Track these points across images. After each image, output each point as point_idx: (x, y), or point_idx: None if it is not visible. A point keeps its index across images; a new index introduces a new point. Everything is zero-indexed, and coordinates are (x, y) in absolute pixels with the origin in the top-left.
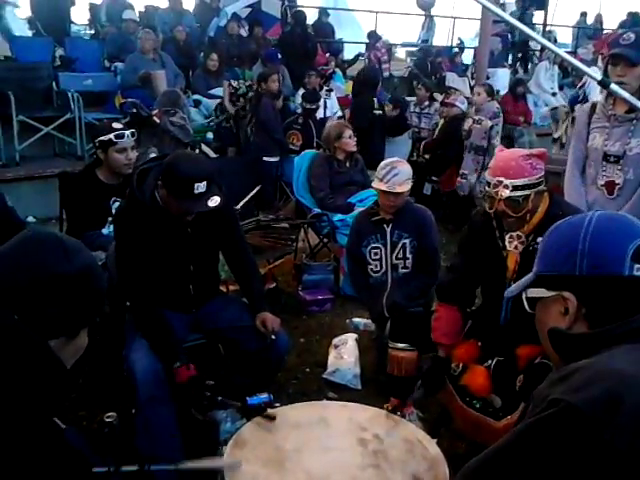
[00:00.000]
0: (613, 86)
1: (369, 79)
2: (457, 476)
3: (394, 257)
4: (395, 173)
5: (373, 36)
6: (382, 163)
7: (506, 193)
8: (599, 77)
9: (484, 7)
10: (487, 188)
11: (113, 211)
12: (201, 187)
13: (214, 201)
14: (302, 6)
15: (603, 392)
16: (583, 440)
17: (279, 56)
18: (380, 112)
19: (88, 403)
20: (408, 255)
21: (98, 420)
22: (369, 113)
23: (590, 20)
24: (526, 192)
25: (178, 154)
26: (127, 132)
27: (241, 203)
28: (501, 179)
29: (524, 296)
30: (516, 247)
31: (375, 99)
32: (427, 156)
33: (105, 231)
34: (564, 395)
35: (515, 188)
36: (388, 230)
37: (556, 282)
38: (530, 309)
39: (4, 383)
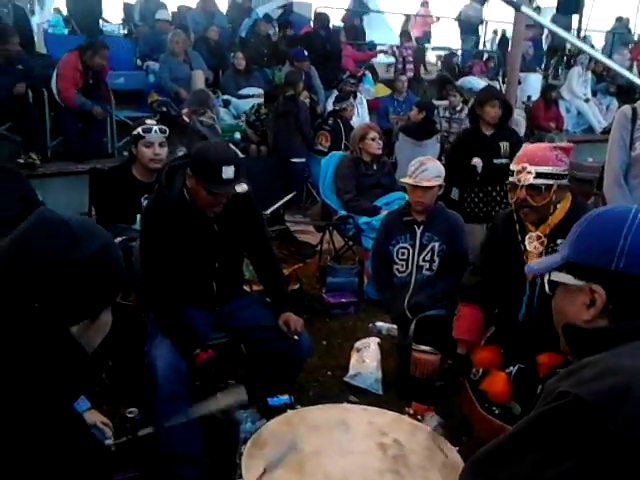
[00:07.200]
0: None
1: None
2: (466, 465)
3: (421, 259)
4: (424, 169)
5: (405, 35)
6: (413, 161)
7: (529, 179)
8: None
9: (531, 18)
10: (511, 178)
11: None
12: (229, 172)
13: (242, 187)
14: (333, 7)
15: (610, 385)
16: (588, 431)
17: (306, 54)
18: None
19: (110, 398)
20: (435, 258)
21: (120, 415)
22: None
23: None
24: (549, 181)
25: (207, 142)
26: (155, 127)
27: (272, 208)
28: (525, 165)
29: (546, 277)
30: (535, 247)
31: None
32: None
33: (136, 227)
34: (572, 388)
35: (538, 175)
36: (418, 231)
37: (587, 273)
38: (550, 291)
39: (25, 372)
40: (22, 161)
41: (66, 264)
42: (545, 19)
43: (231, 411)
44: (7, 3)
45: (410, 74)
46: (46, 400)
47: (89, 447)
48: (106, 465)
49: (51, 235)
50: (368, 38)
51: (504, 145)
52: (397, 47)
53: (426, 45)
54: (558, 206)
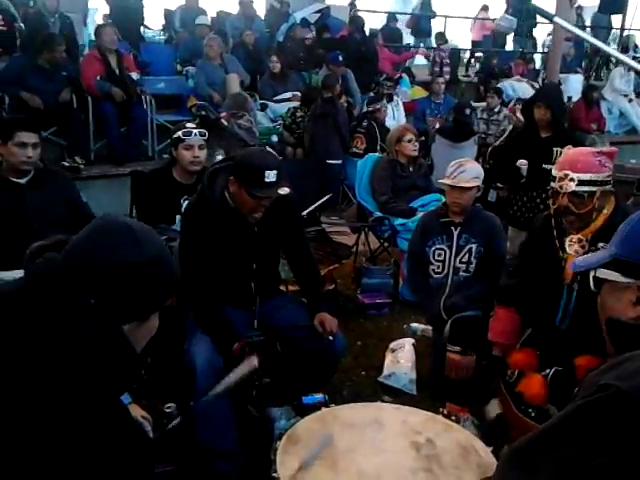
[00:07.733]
0: None
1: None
2: (502, 455)
3: (458, 260)
4: (462, 170)
5: (441, 38)
6: (452, 162)
7: (571, 187)
8: None
9: (560, 26)
10: (552, 183)
11: (183, 209)
12: (271, 176)
13: (284, 190)
14: (370, 11)
15: None
16: (630, 423)
17: (340, 58)
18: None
19: (149, 394)
20: (472, 260)
21: (158, 410)
22: None
23: None
24: (592, 188)
25: (249, 149)
26: (195, 130)
27: (308, 210)
28: (567, 172)
29: (592, 274)
30: (576, 251)
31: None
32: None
33: (176, 227)
34: (614, 380)
35: (581, 183)
36: (455, 233)
37: (635, 270)
38: (595, 288)
39: (78, 364)
40: (67, 164)
41: (126, 265)
42: (586, 19)
43: (246, 379)
44: (54, 13)
45: (447, 77)
46: (95, 390)
47: (135, 436)
48: (151, 454)
49: (115, 237)
50: (405, 41)
51: (557, 151)
52: (434, 49)
53: (461, 47)
54: (603, 211)
